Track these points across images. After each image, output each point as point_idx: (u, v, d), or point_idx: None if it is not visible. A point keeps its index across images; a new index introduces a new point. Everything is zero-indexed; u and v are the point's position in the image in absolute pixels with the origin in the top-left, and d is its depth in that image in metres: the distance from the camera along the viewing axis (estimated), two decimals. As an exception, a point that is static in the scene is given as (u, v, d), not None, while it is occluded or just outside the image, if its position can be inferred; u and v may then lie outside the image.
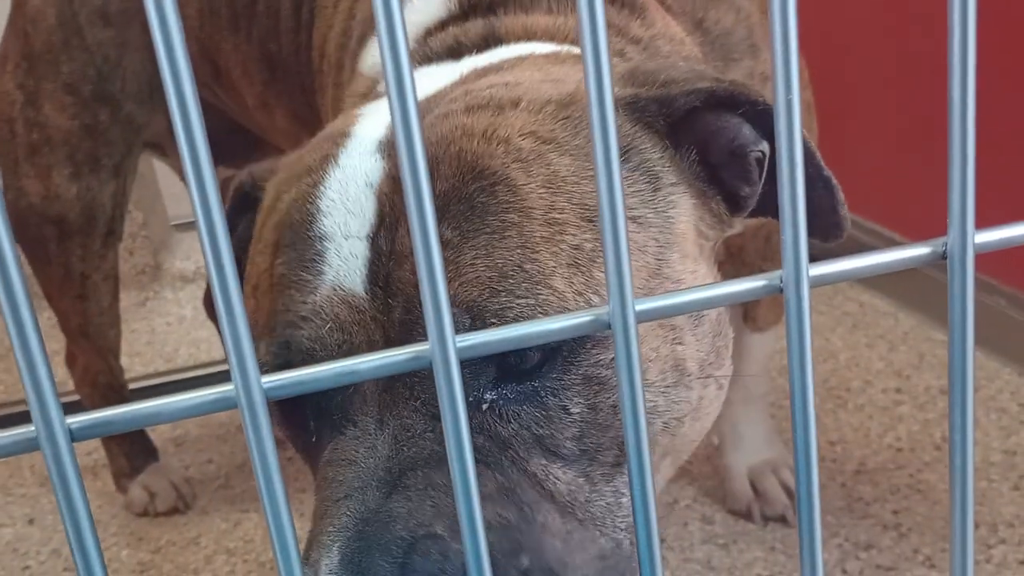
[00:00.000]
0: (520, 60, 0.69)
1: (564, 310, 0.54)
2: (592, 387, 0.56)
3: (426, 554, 0.50)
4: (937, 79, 1.54)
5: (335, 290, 0.56)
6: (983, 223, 0.37)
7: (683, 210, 0.62)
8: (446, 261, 0.51)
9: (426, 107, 0.64)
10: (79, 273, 1.30)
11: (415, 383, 0.55)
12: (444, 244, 0.54)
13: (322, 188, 0.59)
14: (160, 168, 2.10)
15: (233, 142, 1.30)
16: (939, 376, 1.50)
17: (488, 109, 0.60)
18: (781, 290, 0.35)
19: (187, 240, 2.39)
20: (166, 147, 1.40)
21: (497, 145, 0.57)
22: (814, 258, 0.35)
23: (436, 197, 0.54)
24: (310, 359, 0.55)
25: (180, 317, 2.08)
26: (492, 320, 0.53)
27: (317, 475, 0.59)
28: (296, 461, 1.50)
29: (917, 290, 1.67)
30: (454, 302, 0.53)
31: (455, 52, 0.75)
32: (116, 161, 1.28)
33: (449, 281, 0.54)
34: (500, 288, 0.53)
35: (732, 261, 1.07)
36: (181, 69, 0.28)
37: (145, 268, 2.25)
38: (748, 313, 1.19)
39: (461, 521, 0.34)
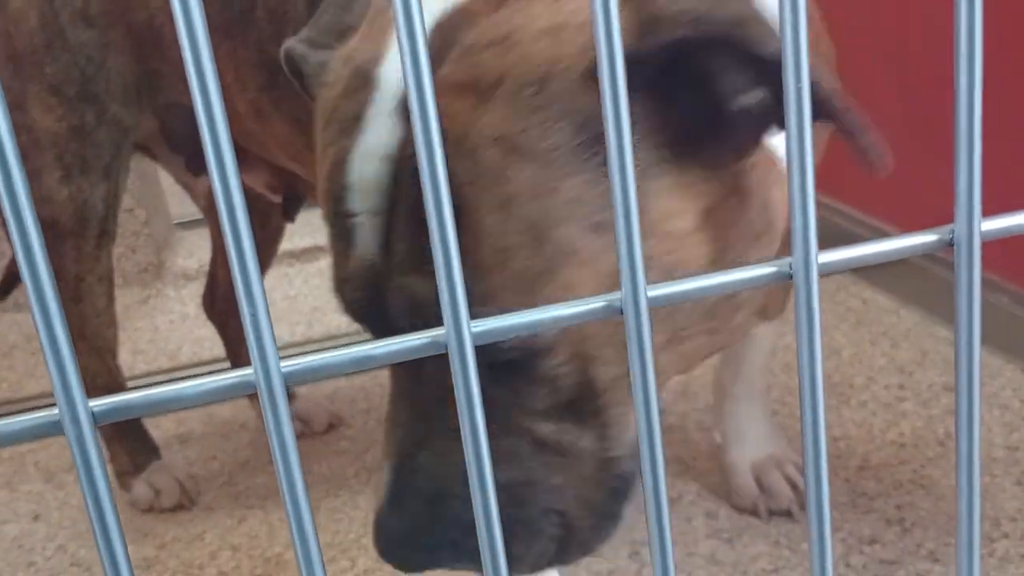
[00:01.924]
0: None
1: None
2: (550, 384, 0.64)
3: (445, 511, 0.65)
4: (940, 74, 1.55)
5: (360, 259, 0.64)
6: (989, 215, 0.38)
7: (658, 194, 0.60)
8: (401, 275, 0.61)
9: (451, 23, 0.62)
10: (73, 275, 1.30)
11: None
12: (403, 254, 0.62)
13: (349, 161, 0.64)
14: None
15: None
16: (942, 373, 1.51)
17: (471, 93, 0.59)
18: (791, 276, 0.36)
19: (189, 238, 2.39)
20: (155, 150, 1.39)
21: (461, 159, 0.59)
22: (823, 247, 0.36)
23: (409, 199, 0.61)
24: (355, 311, 0.67)
25: (183, 315, 2.09)
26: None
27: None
28: (317, 446, 1.50)
29: (920, 287, 1.68)
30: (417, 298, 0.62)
31: None
32: (106, 163, 1.27)
33: (423, 287, 0.61)
34: None
35: None
36: (207, 70, 0.28)
37: (148, 266, 2.26)
38: None
39: (475, 502, 0.35)
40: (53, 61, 1.22)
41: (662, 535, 0.37)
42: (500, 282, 0.59)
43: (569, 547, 0.69)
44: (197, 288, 2.14)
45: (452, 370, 0.32)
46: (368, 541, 1.28)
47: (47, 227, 1.26)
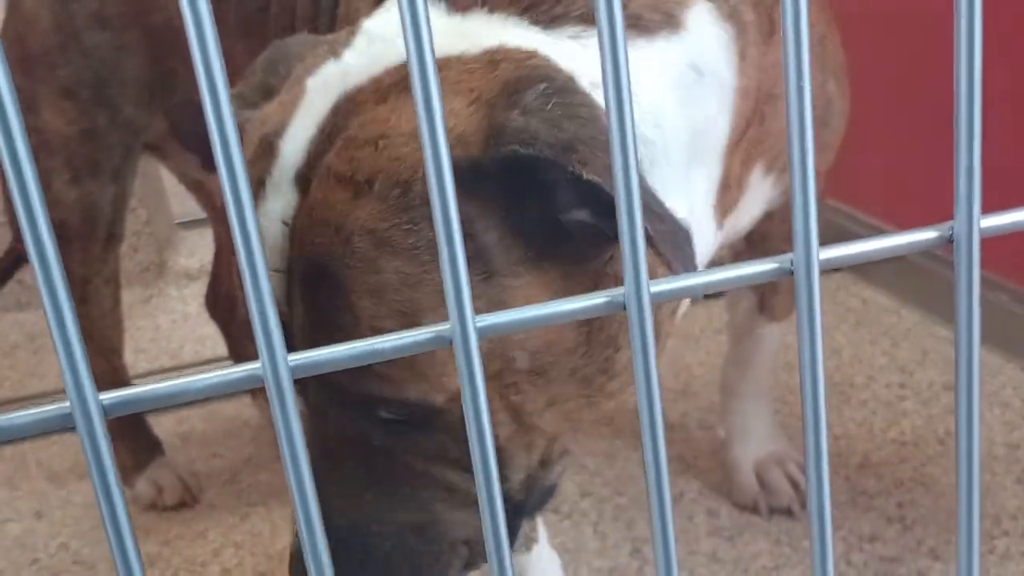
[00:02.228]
0: (449, 64, 0.67)
1: (402, 398, 0.65)
2: (453, 435, 0.67)
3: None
4: (939, 72, 1.55)
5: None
6: (988, 212, 0.38)
7: (524, 288, 0.64)
8: (301, 331, 0.65)
9: (344, 110, 0.67)
10: (80, 277, 1.30)
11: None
12: (305, 328, 0.66)
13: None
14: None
15: None
16: (942, 372, 1.51)
17: (349, 186, 0.63)
18: (791, 273, 0.36)
19: (191, 238, 2.40)
20: (165, 150, 1.39)
21: (339, 246, 0.62)
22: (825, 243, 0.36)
23: (298, 276, 0.65)
24: None
25: (184, 314, 2.09)
26: (359, 397, 0.66)
27: None
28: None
29: (920, 286, 1.68)
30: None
31: None
32: (115, 165, 1.27)
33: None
34: (359, 377, 0.63)
35: (754, 250, 1.07)
36: (215, 70, 0.29)
37: (149, 265, 2.26)
38: (764, 302, 1.20)
39: (482, 505, 0.35)
40: (67, 63, 1.22)
41: (665, 533, 0.38)
42: (384, 364, 0.62)
43: (476, 561, 0.75)
44: (199, 287, 2.15)
45: (458, 366, 0.33)
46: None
47: (55, 229, 1.26)
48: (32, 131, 1.23)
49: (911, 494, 1.25)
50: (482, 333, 0.33)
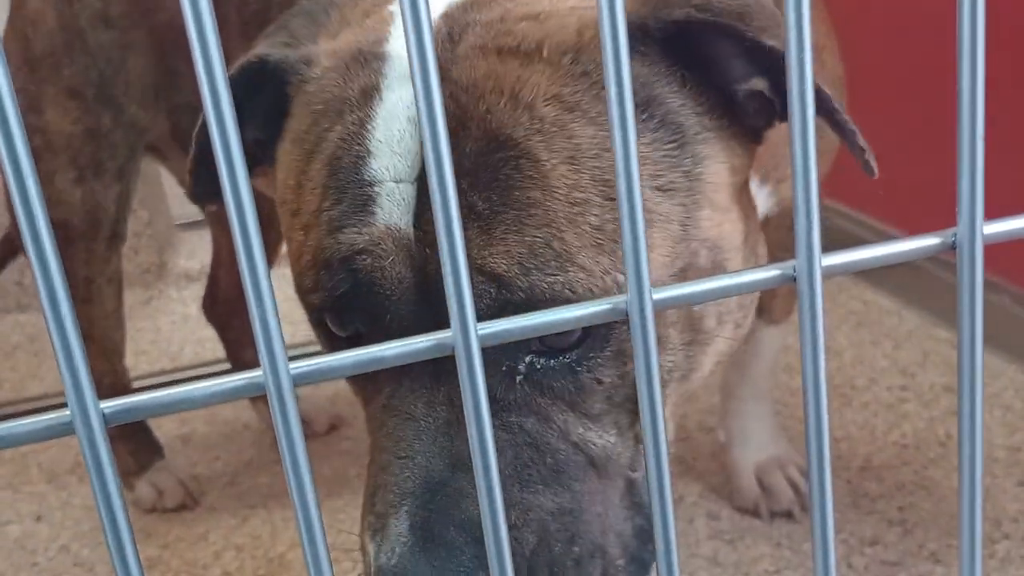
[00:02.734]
0: None
1: (591, 287, 0.56)
2: (622, 359, 0.59)
3: None
4: (943, 77, 1.55)
5: (388, 228, 0.58)
6: (991, 218, 0.38)
7: (712, 160, 0.61)
8: (478, 231, 0.55)
9: (460, 10, 0.62)
10: (83, 277, 1.30)
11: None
12: (475, 215, 0.56)
13: (368, 128, 0.60)
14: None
15: None
16: (943, 374, 1.51)
17: (517, 56, 0.59)
18: (795, 279, 0.36)
19: (191, 239, 2.40)
20: (166, 150, 1.39)
21: (522, 112, 0.57)
22: (826, 249, 0.36)
23: (466, 156, 0.57)
24: (371, 287, 0.59)
25: (185, 316, 2.09)
26: (520, 295, 0.55)
27: (373, 417, 0.62)
28: (319, 447, 1.50)
29: (921, 288, 1.68)
30: (482, 271, 0.56)
31: None
32: (119, 165, 1.27)
33: (480, 250, 0.56)
34: (530, 265, 0.55)
35: None
36: (216, 69, 0.29)
37: (150, 267, 2.26)
38: (763, 306, 1.20)
39: (484, 513, 0.35)
40: (71, 63, 1.22)
41: (667, 536, 0.38)
42: (577, 238, 0.56)
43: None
44: (199, 289, 2.14)
45: (459, 373, 0.33)
46: (370, 542, 1.29)
47: (59, 229, 1.26)
48: (37, 131, 1.23)
49: (912, 497, 1.25)
50: (484, 340, 0.33)
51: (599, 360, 0.58)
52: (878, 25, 1.70)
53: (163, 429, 1.58)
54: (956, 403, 0.40)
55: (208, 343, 1.92)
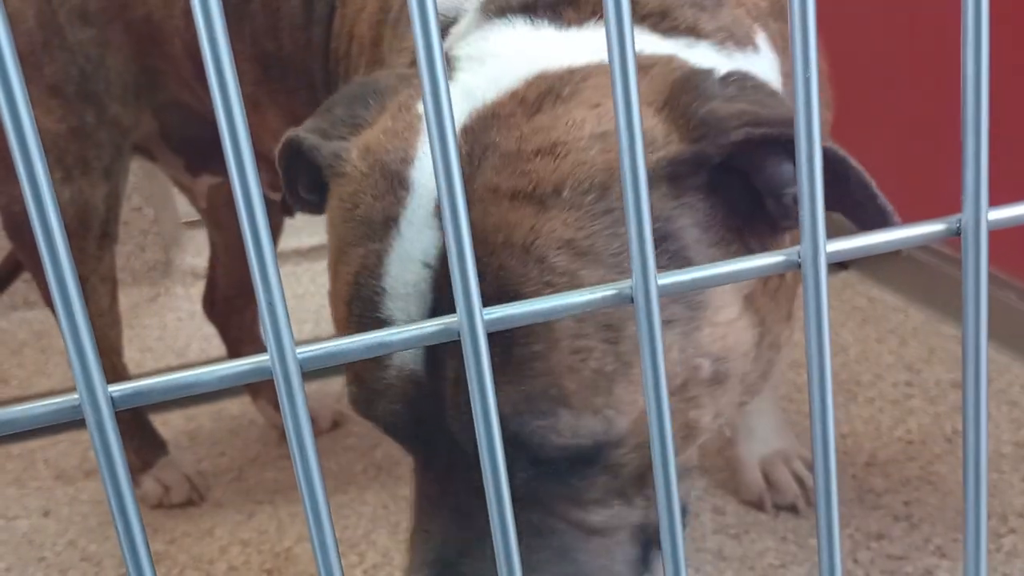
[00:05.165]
0: (596, 71, 0.64)
1: (579, 429, 0.59)
2: (613, 472, 0.63)
3: None
4: (947, 66, 1.54)
5: (400, 371, 0.62)
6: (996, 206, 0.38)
7: (712, 290, 0.61)
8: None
9: (481, 126, 0.61)
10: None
11: (469, 459, 0.61)
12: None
13: (385, 263, 0.61)
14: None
15: (219, 150, 1.30)
16: (949, 370, 1.51)
17: (531, 202, 0.58)
18: (799, 265, 0.36)
19: (197, 236, 2.40)
20: (154, 151, 1.39)
21: (532, 266, 0.57)
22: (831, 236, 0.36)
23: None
24: (390, 428, 0.65)
25: (191, 312, 2.09)
26: (507, 432, 0.61)
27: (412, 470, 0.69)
28: (324, 444, 1.50)
29: (927, 285, 1.68)
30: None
31: (552, 9, 0.69)
32: (106, 164, 1.27)
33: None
34: (522, 408, 0.58)
35: None
36: (224, 61, 0.29)
37: (156, 264, 2.27)
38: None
39: (493, 524, 0.35)
40: (51, 61, 1.21)
41: (673, 531, 0.38)
42: (575, 384, 0.57)
43: None
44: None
45: (464, 357, 0.33)
46: (376, 537, 1.29)
47: None
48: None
49: (918, 492, 1.25)
50: (490, 325, 0.33)
51: (590, 472, 0.62)
52: (882, 13, 1.70)
53: (169, 425, 1.59)
54: (962, 399, 0.40)
55: (214, 339, 1.92)
